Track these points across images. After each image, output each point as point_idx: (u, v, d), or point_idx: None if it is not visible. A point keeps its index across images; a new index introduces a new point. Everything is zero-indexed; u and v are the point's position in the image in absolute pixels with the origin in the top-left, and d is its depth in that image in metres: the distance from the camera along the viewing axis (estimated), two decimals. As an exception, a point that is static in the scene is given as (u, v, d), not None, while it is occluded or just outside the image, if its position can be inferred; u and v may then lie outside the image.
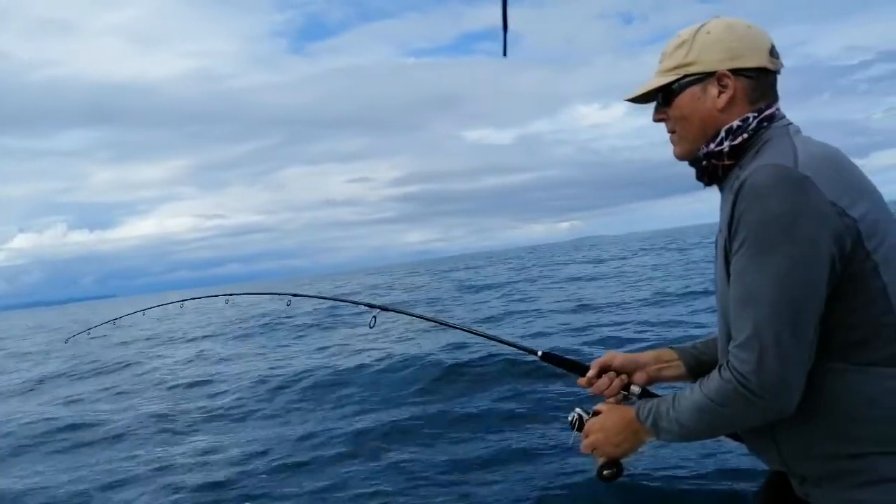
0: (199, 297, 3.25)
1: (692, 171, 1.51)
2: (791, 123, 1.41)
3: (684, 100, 1.45)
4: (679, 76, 1.45)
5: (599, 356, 1.69)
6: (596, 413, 1.57)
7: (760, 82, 1.41)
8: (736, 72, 1.40)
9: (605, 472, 1.53)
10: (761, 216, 1.23)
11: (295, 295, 2.95)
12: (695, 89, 1.44)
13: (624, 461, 1.53)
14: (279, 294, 3.00)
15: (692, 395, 1.36)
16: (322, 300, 2.91)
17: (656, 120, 1.53)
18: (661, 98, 1.50)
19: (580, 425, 1.58)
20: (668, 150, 1.57)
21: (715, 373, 1.32)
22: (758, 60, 1.40)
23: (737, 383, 1.26)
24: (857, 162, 1.37)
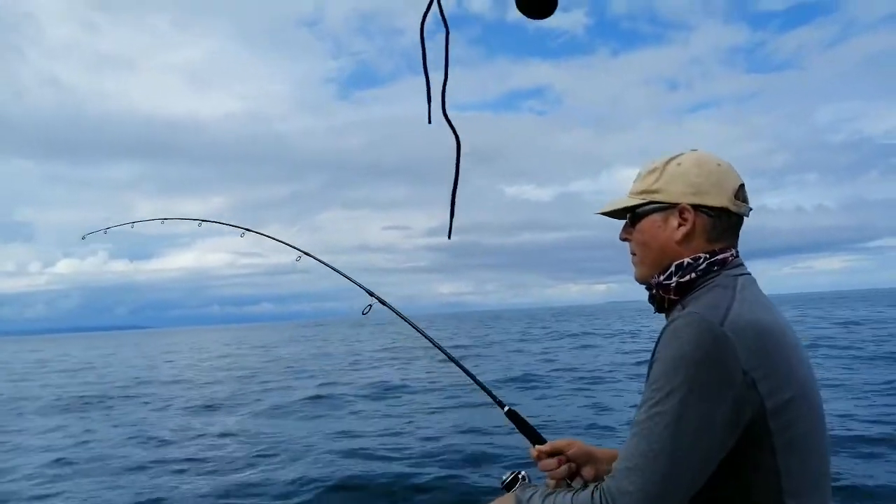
0: (215, 222, 3.00)
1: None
2: (744, 274, 1.39)
3: (646, 225, 1.47)
4: (645, 201, 1.47)
5: (560, 438, 1.69)
6: (527, 482, 1.65)
7: (721, 222, 1.42)
8: (698, 207, 1.40)
9: None
10: (672, 357, 1.23)
11: (305, 253, 2.83)
12: (657, 217, 1.45)
13: None
14: (291, 246, 2.85)
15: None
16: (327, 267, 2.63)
17: (622, 239, 1.55)
18: (630, 219, 1.52)
19: (511, 484, 1.66)
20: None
21: (588, 491, 1.30)
22: (720, 200, 1.40)
23: None
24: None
